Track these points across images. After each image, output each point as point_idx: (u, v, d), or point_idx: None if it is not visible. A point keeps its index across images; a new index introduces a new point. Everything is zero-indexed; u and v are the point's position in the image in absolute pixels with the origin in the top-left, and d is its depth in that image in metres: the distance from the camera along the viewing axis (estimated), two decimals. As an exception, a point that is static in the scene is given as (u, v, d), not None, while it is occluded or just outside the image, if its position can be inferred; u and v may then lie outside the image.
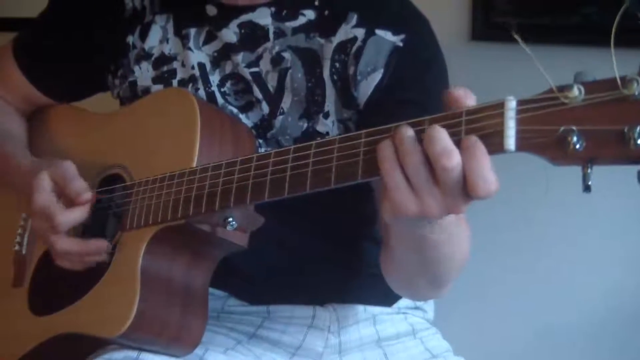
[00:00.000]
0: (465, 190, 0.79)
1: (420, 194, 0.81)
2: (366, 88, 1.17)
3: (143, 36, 1.28)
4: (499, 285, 1.84)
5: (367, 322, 1.31)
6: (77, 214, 1.16)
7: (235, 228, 1.06)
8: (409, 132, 0.82)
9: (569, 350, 1.80)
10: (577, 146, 0.73)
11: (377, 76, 1.16)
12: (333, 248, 1.28)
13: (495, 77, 1.62)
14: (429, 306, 1.41)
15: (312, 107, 1.20)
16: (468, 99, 0.81)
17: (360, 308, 1.31)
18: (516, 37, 0.79)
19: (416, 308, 1.38)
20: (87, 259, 1.17)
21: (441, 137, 0.79)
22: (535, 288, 1.81)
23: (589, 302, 1.79)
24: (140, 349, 1.15)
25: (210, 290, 1.20)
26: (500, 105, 0.78)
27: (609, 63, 0.72)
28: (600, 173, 0.75)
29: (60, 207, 1.16)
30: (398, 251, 1.04)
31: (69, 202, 1.16)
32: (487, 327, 1.85)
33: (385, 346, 1.32)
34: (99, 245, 1.16)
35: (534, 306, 1.82)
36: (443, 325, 1.41)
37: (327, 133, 1.20)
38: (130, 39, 1.29)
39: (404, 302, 1.35)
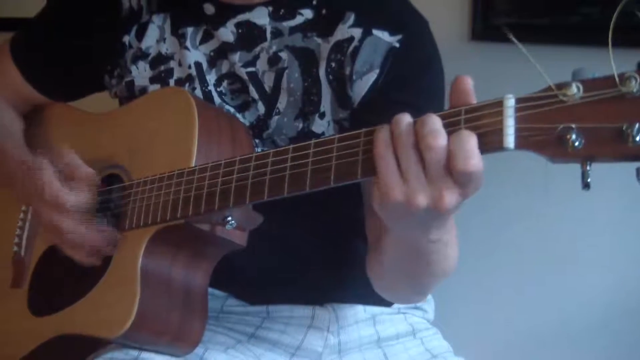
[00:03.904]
0: (447, 170, 0.80)
1: (407, 178, 0.82)
2: (361, 88, 1.17)
3: (140, 36, 1.28)
4: (499, 285, 1.84)
5: (366, 322, 1.31)
6: (87, 195, 1.16)
7: (235, 227, 1.06)
8: (406, 118, 0.84)
9: (569, 349, 1.80)
10: (576, 144, 0.74)
11: (373, 76, 1.16)
12: (332, 248, 1.28)
13: (495, 77, 1.61)
14: (429, 306, 1.41)
15: (307, 107, 1.20)
16: (470, 97, 0.82)
17: (360, 308, 1.31)
18: (511, 37, 0.80)
19: (416, 308, 1.38)
20: (95, 249, 1.17)
21: (432, 121, 0.81)
22: (535, 287, 1.81)
23: (589, 300, 1.79)
24: (141, 349, 1.15)
25: (210, 290, 1.20)
26: (499, 104, 0.78)
27: (609, 63, 0.72)
28: (600, 170, 0.75)
29: (67, 192, 1.16)
30: (389, 262, 1.05)
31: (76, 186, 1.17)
32: (487, 327, 1.85)
33: (385, 346, 1.32)
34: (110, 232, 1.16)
35: (534, 306, 1.82)
36: (443, 325, 1.41)
37: (323, 133, 1.20)
38: (126, 39, 1.29)
39: (404, 302, 1.35)
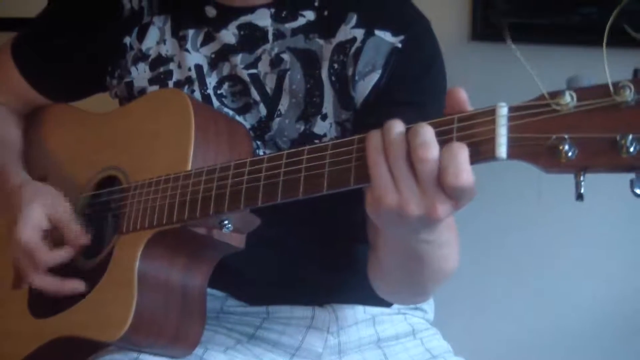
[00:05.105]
0: (439, 182, 0.79)
1: (399, 186, 0.82)
2: (364, 88, 1.17)
3: (140, 37, 1.28)
4: (498, 286, 1.84)
5: (366, 322, 1.31)
6: (64, 255, 1.18)
7: (232, 230, 1.06)
8: (398, 126, 0.83)
9: (568, 350, 1.80)
10: (569, 154, 0.73)
11: (375, 76, 1.16)
12: (331, 251, 1.28)
13: (495, 77, 1.62)
14: (429, 306, 1.40)
15: (309, 109, 1.19)
16: (465, 106, 0.81)
17: (360, 308, 1.30)
18: (507, 38, 0.78)
19: (416, 308, 1.37)
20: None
21: (424, 131, 0.80)
22: (535, 289, 1.81)
23: (587, 303, 1.79)
24: (140, 351, 1.15)
25: (209, 290, 1.21)
26: (492, 112, 0.77)
27: (609, 63, 0.71)
28: (593, 179, 0.74)
29: (43, 246, 1.17)
30: (385, 262, 1.04)
31: (61, 242, 1.18)
32: (487, 327, 1.85)
33: (385, 347, 1.31)
34: (74, 286, 1.18)
35: (534, 307, 1.82)
36: (443, 326, 1.41)
37: (325, 135, 1.19)
38: (127, 40, 1.29)
39: (404, 303, 1.34)
